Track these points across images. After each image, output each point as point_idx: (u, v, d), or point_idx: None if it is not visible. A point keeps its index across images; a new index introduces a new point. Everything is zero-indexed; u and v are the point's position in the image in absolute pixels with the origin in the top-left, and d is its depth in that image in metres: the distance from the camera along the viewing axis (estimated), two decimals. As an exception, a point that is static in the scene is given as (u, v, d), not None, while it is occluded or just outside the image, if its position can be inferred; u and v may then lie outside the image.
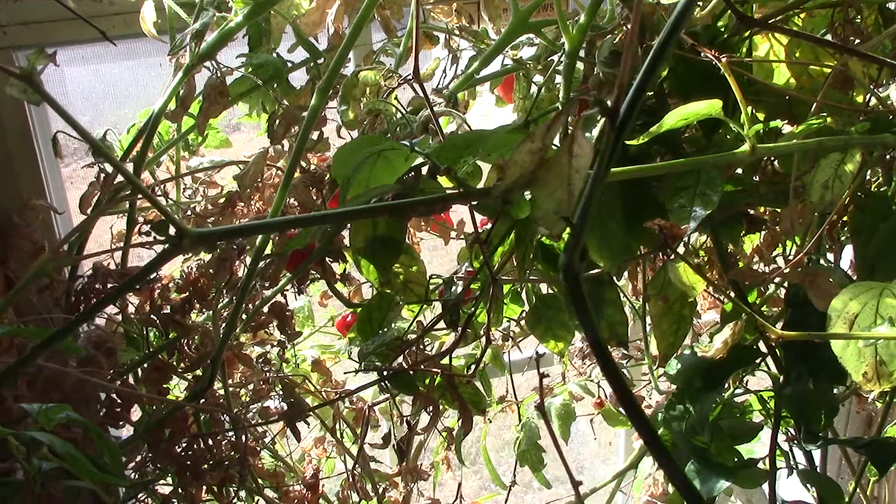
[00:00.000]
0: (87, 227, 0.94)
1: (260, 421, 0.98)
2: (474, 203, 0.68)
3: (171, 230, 0.43)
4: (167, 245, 0.45)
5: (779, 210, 1.10)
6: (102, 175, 0.95)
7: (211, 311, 0.96)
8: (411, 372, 0.96)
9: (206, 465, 0.96)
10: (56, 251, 0.93)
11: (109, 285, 0.98)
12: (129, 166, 0.94)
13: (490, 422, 1.43)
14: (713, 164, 0.60)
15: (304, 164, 0.97)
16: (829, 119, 0.67)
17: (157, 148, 1.01)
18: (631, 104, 0.34)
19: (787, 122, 0.91)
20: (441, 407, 1.01)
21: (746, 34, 0.86)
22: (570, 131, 0.36)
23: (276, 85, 0.96)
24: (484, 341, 0.84)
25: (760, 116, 0.89)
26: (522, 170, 0.36)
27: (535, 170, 0.35)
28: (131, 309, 1.01)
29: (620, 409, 1.39)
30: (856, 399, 1.46)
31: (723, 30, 0.85)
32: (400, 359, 0.97)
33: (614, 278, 1.03)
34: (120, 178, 0.97)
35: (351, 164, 0.49)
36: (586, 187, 0.33)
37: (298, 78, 1.03)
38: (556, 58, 0.93)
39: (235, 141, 1.21)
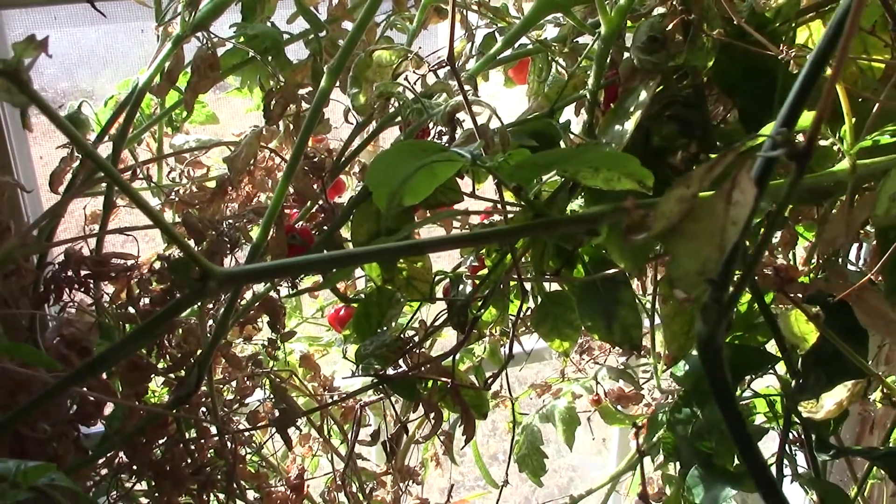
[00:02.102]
0: (59, 210, 0.85)
1: (247, 427, 0.90)
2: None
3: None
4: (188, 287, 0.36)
5: (801, 208, 1.04)
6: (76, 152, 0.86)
7: (195, 306, 0.87)
8: (412, 376, 0.89)
9: (187, 471, 0.89)
10: (25, 236, 0.84)
11: (83, 273, 0.90)
12: (109, 145, 0.85)
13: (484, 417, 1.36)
14: (810, 187, 0.53)
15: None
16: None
17: (138, 124, 0.91)
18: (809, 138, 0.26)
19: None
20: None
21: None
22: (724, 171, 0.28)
23: (271, 58, 0.87)
24: (506, 355, 0.77)
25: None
26: (669, 221, 0.28)
27: (681, 220, 0.28)
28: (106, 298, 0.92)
29: (618, 407, 1.34)
30: (859, 401, 1.42)
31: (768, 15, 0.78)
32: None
33: (629, 278, 0.97)
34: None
35: (395, 177, 0.41)
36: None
37: (293, 51, 0.94)
38: (581, 40, 0.85)
39: (220, 114, 1.11)
